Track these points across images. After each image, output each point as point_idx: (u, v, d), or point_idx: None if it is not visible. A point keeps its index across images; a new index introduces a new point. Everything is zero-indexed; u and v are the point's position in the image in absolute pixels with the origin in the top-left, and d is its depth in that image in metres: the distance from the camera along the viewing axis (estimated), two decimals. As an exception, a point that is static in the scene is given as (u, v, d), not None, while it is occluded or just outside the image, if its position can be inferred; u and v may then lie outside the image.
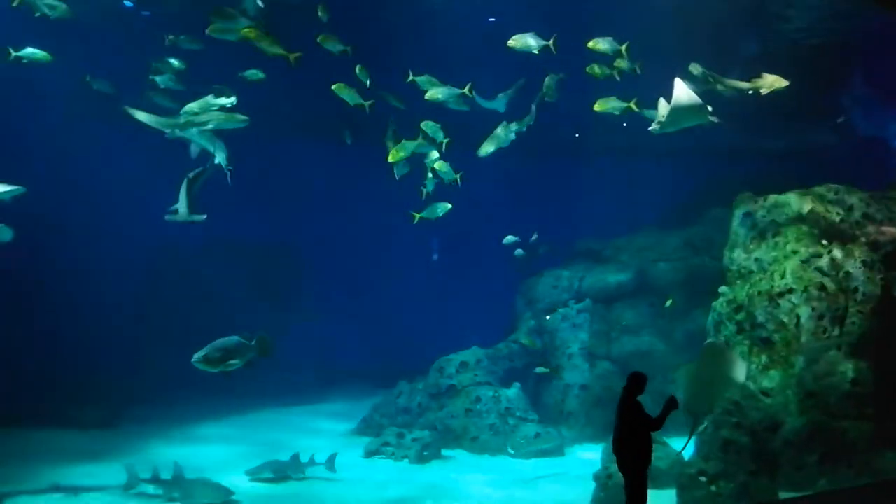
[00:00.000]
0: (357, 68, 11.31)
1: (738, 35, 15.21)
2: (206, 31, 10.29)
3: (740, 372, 9.17)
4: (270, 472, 11.77)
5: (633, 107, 11.16)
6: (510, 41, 11.05)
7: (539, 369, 14.65)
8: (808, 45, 14.69)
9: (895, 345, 10.81)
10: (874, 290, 10.93)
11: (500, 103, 12.89)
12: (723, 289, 12.05)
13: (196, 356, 9.40)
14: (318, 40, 10.82)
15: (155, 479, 10.78)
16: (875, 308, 10.83)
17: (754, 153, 18.06)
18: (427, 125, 11.77)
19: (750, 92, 11.07)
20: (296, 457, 12.06)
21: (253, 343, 9.98)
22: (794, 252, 11.60)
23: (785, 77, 11.08)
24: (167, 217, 10.74)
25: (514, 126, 11.96)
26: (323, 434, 15.44)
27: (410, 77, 11.55)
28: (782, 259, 11.63)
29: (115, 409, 15.64)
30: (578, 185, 18.82)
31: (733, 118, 13.00)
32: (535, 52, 11.03)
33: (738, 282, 12.05)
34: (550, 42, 10.98)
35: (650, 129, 10.37)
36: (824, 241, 11.56)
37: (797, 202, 11.99)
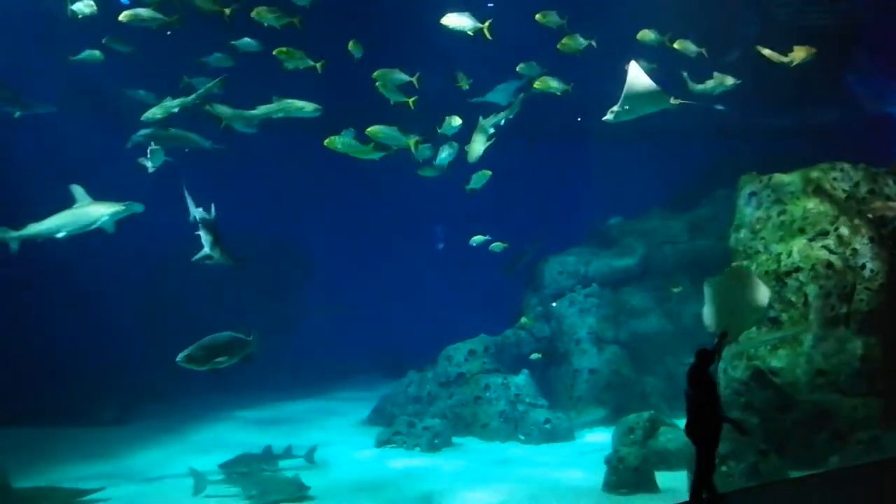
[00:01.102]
0: (350, 43, 11.24)
1: (739, 14, 15.13)
2: None
3: (764, 297, 9.17)
4: (244, 465, 11.54)
5: (568, 88, 11.11)
6: (444, 19, 10.59)
7: (534, 356, 14.66)
8: (811, 23, 14.58)
9: (905, 321, 10.80)
10: (882, 267, 10.86)
11: (500, 96, 12.75)
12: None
13: (181, 355, 9.31)
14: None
15: (228, 477, 10.76)
16: (883, 284, 10.77)
17: (760, 133, 17.95)
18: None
19: (791, 63, 10.96)
20: (268, 449, 12.01)
21: (251, 338, 9.89)
22: (801, 231, 11.53)
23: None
24: (195, 259, 10.63)
25: (491, 120, 11.58)
26: (334, 425, 15.57)
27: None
28: (789, 238, 11.55)
29: (129, 406, 15.81)
30: (582, 169, 18.77)
31: (738, 98, 12.99)
32: (470, 33, 10.66)
33: (745, 262, 11.98)
34: (485, 26, 10.59)
35: (604, 118, 10.08)
36: (831, 219, 11.49)
37: (802, 181, 11.91)
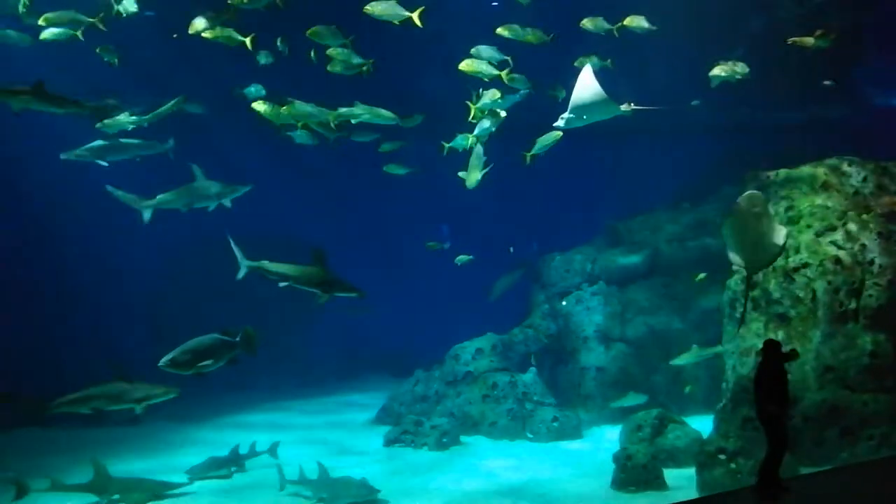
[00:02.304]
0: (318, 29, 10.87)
1: (745, 10, 15.04)
2: None
3: (781, 232, 9.18)
4: (214, 469, 11.50)
5: (503, 77, 10.68)
6: (367, 7, 10.09)
7: (533, 360, 14.68)
8: (818, 18, 14.48)
9: (914, 316, 10.73)
10: (891, 262, 10.82)
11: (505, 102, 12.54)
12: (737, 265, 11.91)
13: (163, 360, 8.89)
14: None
15: (302, 480, 10.75)
16: (892, 279, 10.73)
17: (768, 128, 17.84)
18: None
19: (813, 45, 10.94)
20: (235, 450, 11.90)
21: (237, 339, 9.52)
22: (808, 226, 11.49)
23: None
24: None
25: (483, 137, 10.98)
26: (343, 424, 15.61)
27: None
28: (796, 234, 11.50)
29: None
30: (589, 166, 18.70)
31: (746, 94, 12.93)
32: (397, 22, 10.23)
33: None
34: (415, 15, 10.17)
35: (554, 124, 9.96)
36: (839, 214, 11.43)
37: (810, 175, 11.88)
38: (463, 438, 13.65)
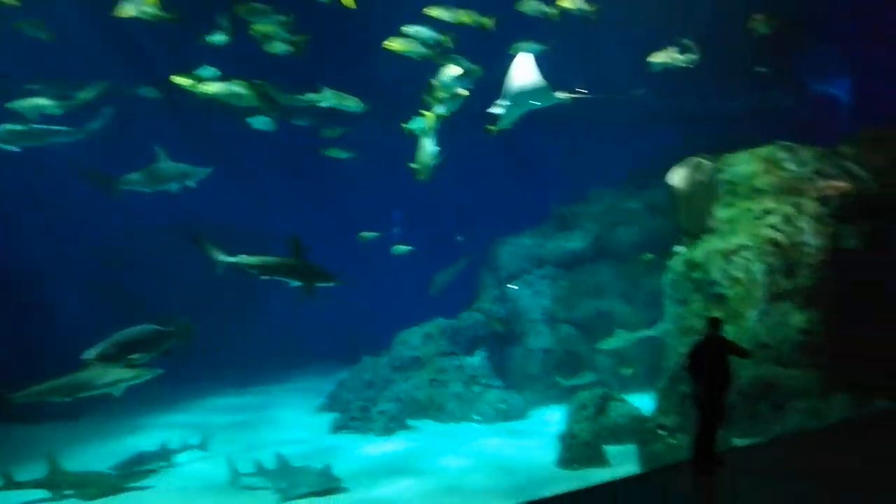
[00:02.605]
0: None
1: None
2: None
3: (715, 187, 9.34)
4: (139, 464, 11.06)
5: (434, 57, 10.70)
6: None
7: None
8: (764, 8, 14.79)
9: (844, 295, 11.07)
10: (823, 244, 11.14)
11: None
12: (678, 248, 12.17)
13: (90, 352, 8.51)
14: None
15: (260, 471, 10.40)
16: (824, 260, 11.05)
17: (717, 117, 18.19)
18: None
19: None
20: (164, 445, 11.51)
21: (173, 330, 9.28)
22: (748, 210, 11.75)
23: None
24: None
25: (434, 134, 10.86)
26: (290, 412, 15.43)
27: None
28: (736, 217, 11.77)
29: (81, 400, 15.32)
30: (538, 152, 18.83)
31: (695, 82, 13.13)
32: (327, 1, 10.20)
33: (695, 242, 12.16)
34: None
35: (489, 110, 9.94)
36: (776, 198, 11.71)
37: (749, 161, 12.14)
38: (410, 422, 13.63)
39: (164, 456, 11.42)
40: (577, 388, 12.99)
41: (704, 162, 9.50)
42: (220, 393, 16.89)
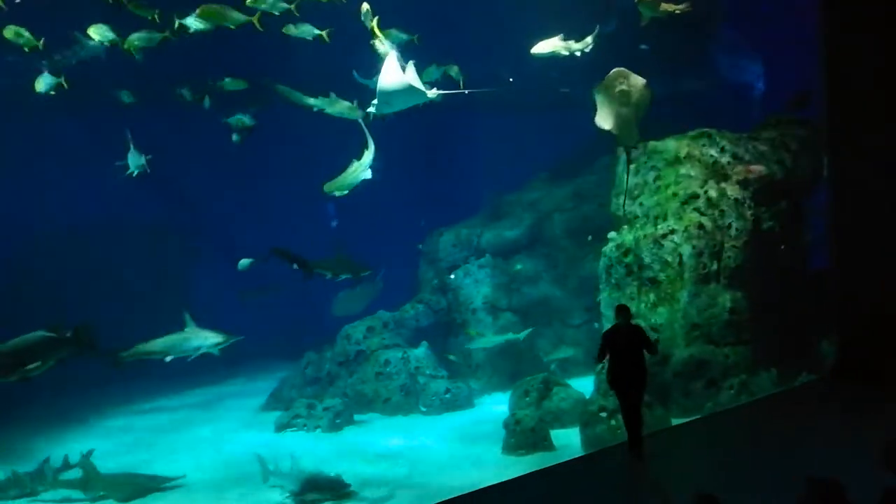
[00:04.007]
0: None
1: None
2: None
3: (644, 92, 9.67)
4: (14, 488, 10.38)
5: (325, 37, 10.96)
6: None
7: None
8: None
9: (766, 274, 11.76)
10: (746, 226, 11.75)
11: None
12: (611, 234, 12.57)
13: None
14: None
15: (277, 472, 10.19)
16: (747, 241, 11.67)
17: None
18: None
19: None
20: (46, 462, 10.69)
21: (69, 336, 8.70)
22: (675, 195, 12.22)
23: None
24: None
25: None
26: (230, 414, 15.17)
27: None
28: (664, 202, 12.24)
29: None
30: (469, 141, 18.98)
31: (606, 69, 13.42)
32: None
33: (626, 226, 12.62)
34: None
35: (367, 110, 10.08)
36: (700, 182, 12.24)
37: (674, 147, 12.60)
38: (357, 417, 13.66)
39: (40, 476, 10.58)
40: (558, 362, 13.65)
41: (628, 72, 9.76)
42: (151, 396, 16.41)
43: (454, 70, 12.13)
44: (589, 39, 11.02)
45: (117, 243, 18.26)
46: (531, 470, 9.06)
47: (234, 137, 13.41)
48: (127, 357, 10.93)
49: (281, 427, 13.42)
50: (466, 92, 10.70)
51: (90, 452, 10.86)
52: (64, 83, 11.37)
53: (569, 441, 10.86)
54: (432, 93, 9.85)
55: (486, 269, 15.55)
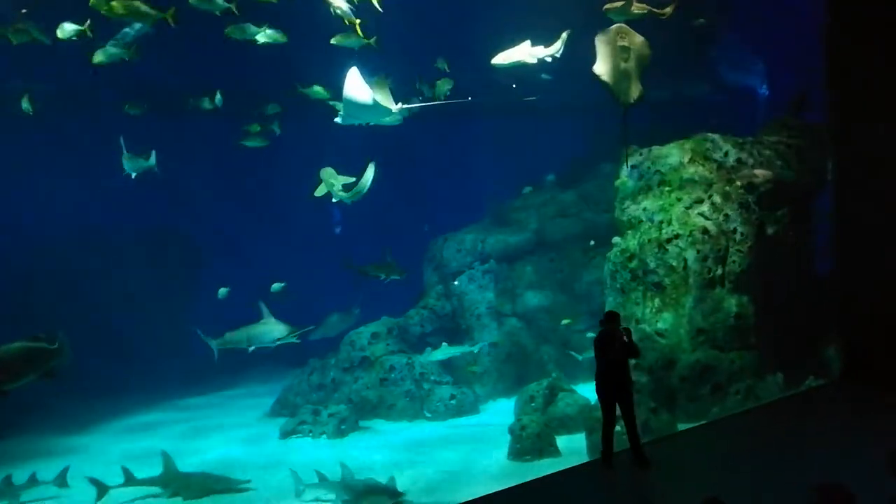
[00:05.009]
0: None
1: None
2: None
3: (644, 50, 9.60)
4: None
5: (282, 38, 11.06)
6: None
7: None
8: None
9: (771, 278, 11.74)
10: (750, 230, 11.74)
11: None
12: (616, 239, 12.57)
13: None
14: None
15: (322, 482, 10.02)
16: (752, 246, 11.66)
17: (640, 106, 18.66)
18: None
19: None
20: (7, 479, 10.34)
21: (56, 347, 8.26)
22: (679, 199, 12.22)
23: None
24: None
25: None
26: (235, 420, 15.14)
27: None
28: (668, 207, 12.23)
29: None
30: (474, 146, 19.00)
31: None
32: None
33: (630, 232, 12.61)
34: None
35: (335, 119, 10.03)
36: (704, 187, 12.23)
37: (678, 152, 12.61)
38: (362, 423, 13.63)
39: (9, 492, 10.31)
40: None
41: (629, 29, 9.69)
42: (155, 405, 16.43)
43: (443, 85, 12.24)
44: (558, 45, 10.46)
45: (121, 249, 18.29)
46: (537, 476, 9.02)
47: (251, 143, 14.11)
48: (219, 345, 12.59)
49: (286, 434, 13.41)
50: (444, 101, 10.69)
51: (66, 469, 10.77)
52: (88, 31, 10.83)
53: (575, 447, 10.82)
54: (397, 108, 9.78)
55: (490, 275, 15.55)
